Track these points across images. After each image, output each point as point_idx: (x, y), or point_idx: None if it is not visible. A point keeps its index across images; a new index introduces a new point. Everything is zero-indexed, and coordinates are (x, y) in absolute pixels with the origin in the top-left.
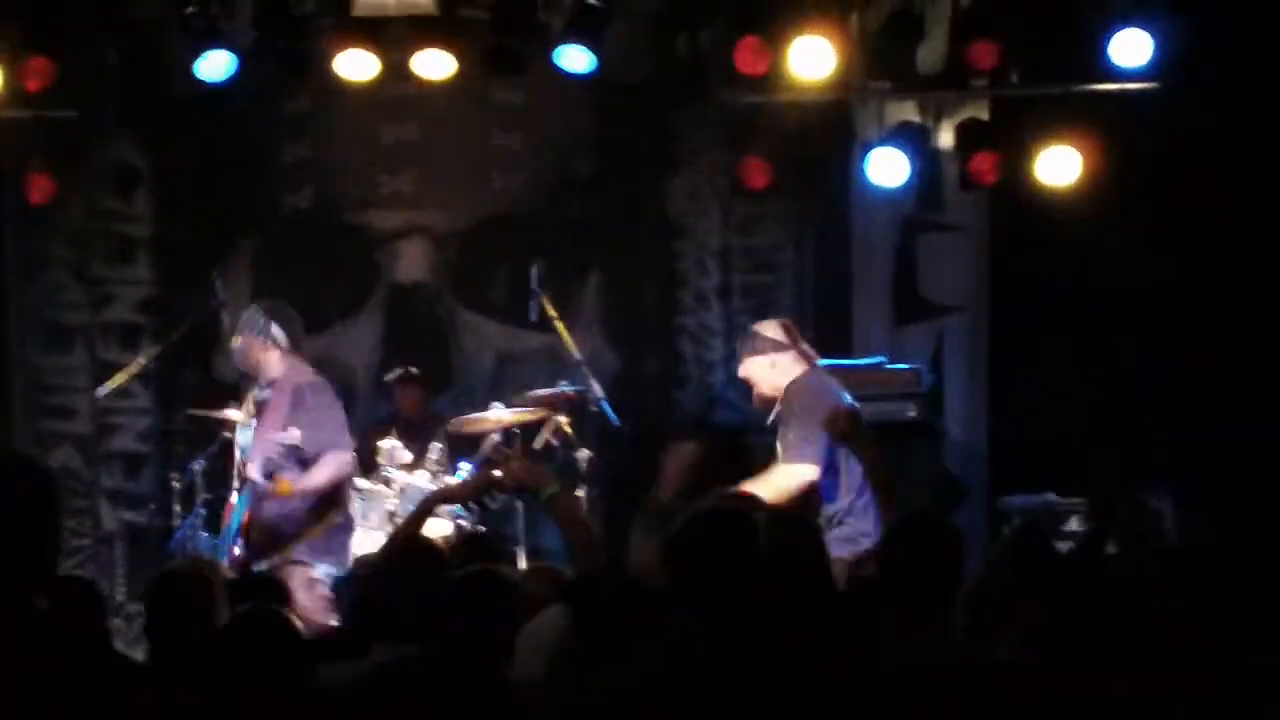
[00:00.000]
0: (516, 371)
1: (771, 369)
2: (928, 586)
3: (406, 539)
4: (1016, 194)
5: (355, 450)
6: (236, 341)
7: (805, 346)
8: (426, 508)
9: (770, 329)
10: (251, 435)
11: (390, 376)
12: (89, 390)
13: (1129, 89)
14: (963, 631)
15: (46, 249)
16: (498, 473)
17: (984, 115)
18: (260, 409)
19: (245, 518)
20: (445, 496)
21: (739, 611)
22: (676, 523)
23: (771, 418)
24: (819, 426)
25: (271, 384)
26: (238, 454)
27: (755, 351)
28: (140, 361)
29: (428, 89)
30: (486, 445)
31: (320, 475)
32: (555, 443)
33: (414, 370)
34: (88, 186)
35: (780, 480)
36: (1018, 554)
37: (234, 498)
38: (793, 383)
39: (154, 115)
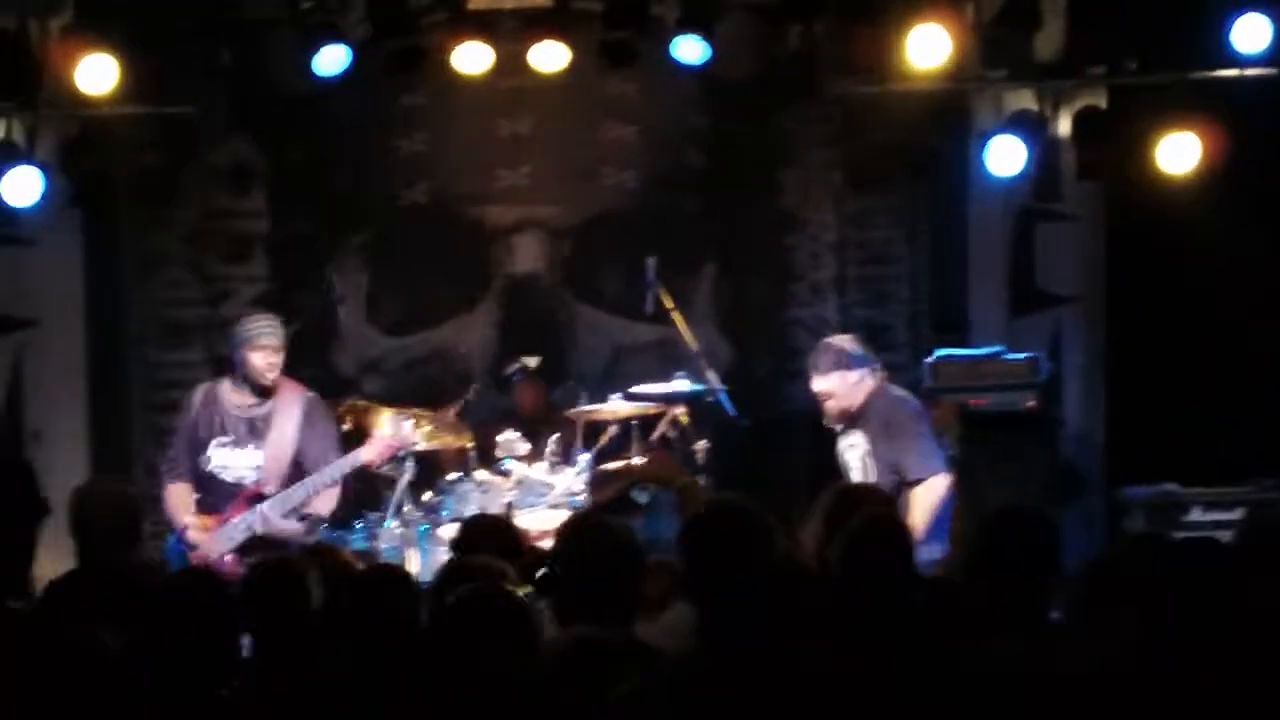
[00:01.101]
0: (631, 364)
1: (856, 384)
2: (1020, 582)
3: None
4: (1134, 182)
5: (474, 442)
6: (279, 355)
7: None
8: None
9: (850, 343)
10: (253, 454)
11: (510, 370)
12: None
13: (1248, 75)
14: (1066, 628)
15: (164, 246)
16: (638, 460)
17: (1102, 103)
18: (256, 427)
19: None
20: (601, 498)
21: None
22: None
23: (842, 428)
24: (933, 432)
25: (269, 396)
26: (226, 475)
27: (839, 366)
28: None
29: (541, 82)
30: (607, 438)
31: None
32: (672, 434)
33: (532, 364)
34: (203, 184)
35: (927, 499)
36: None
37: (238, 521)
38: (876, 397)
39: (268, 112)
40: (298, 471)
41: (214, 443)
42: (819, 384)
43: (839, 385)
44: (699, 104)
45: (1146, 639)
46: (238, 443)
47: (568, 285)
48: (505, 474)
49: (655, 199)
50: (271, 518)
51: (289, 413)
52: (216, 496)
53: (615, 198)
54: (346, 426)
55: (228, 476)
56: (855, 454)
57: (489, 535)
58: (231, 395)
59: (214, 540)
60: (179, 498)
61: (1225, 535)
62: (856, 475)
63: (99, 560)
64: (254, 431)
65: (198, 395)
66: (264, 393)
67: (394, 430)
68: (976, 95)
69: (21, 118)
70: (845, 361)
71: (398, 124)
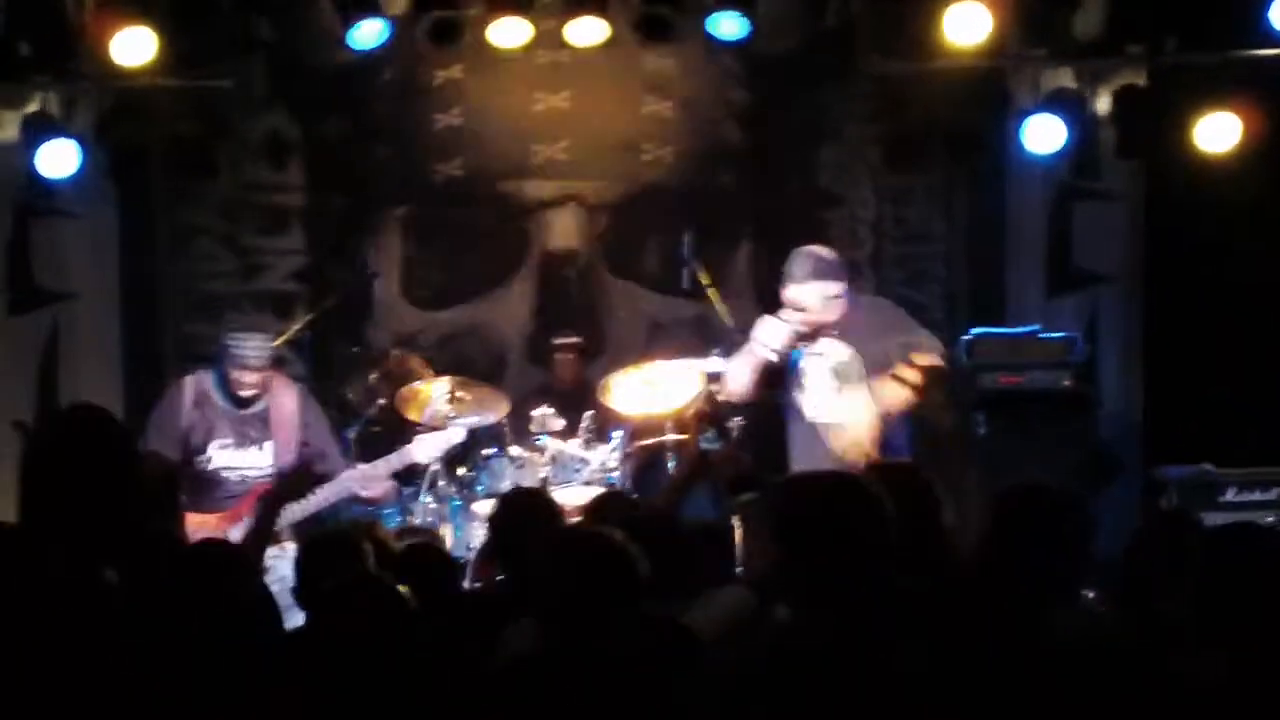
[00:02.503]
0: (667, 340)
1: (833, 299)
2: (1047, 561)
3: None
4: (1174, 161)
5: (509, 416)
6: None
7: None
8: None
9: (829, 253)
10: (257, 454)
11: (556, 342)
12: None
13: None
14: (1105, 607)
15: (197, 219)
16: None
17: (1141, 82)
18: (256, 427)
19: None
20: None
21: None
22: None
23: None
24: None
25: (258, 397)
26: (231, 475)
27: (818, 276)
28: (308, 319)
29: (580, 57)
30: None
31: None
32: (708, 409)
33: (576, 339)
34: (239, 157)
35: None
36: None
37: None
38: (854, 306)
39: (305, 85)
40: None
41: (213, 445)
42: (794, 292)
43: (815, 297)
44: (738, 80)
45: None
46: (240, 444)
47: (605, 260)
48: (540, 449)
49: (693, 175)
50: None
51: (286, 406)
52: (215, 495)
53: (653, 173)
54: (375, 376)
55: (233, 476)
56: (822, 365)
57: (527, 510)
58: (222, 399)
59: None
60: None
61: (1260, 516)
62: (818, 391)
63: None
64: (254, 431)
65: (187, 395)
66: (244, 404)
67: (432, 411)
68: (1015, 73)
69: (58, 90)
70: (824, 271)
71: (435, 98)
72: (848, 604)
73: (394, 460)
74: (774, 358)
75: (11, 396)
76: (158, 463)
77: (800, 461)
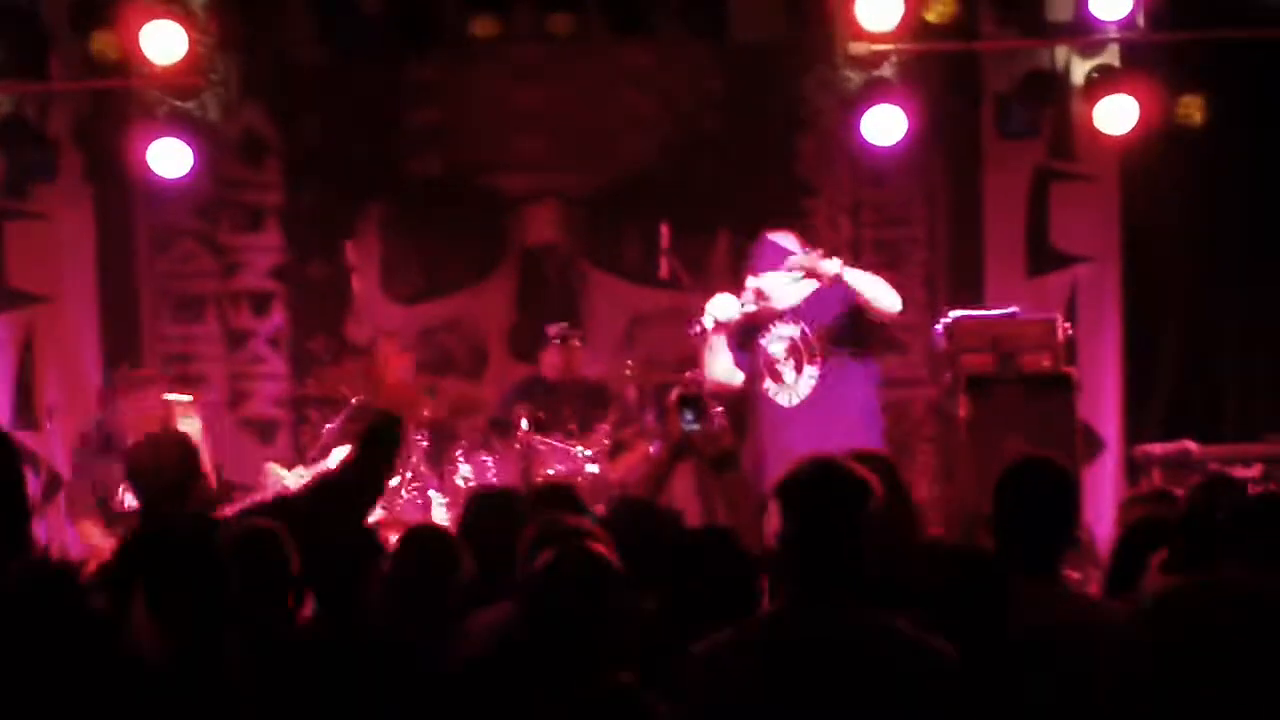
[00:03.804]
0: (648, 331)
1: (791, 285)
2: (1040, 531)
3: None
4: (1150, 141)
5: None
6: None
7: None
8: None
9: (791, 241)
10: None
11: (555, 333)
12: (221, 358)
13: (1261, 35)
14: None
15: (176, 219)
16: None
17: (1114, 62)
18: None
19: None
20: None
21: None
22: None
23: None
24: None
25: None
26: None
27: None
28: None
29: (557, 52)
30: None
31: None
32: (687, 392)
33: (574, 331)
34: (216, 155)
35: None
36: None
37: None
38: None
39: (281, 83)
40: None
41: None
42: (752, 281)
43: (774, 285)
44: (715, 69)
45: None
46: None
47: (584, 253)
48: (521, 443)
49: (672, 166)
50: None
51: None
52: None
53: (631, 165)
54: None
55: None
56: (781, 346)
57: (496, 507)
58: None
59: None
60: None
61: None
62: (785, 375)
63: (161, 511)
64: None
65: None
66: None
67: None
68: (990, 56)
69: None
70: (784, 260)
71: (412, 94)
72: (842, 587)
73: (317, 470)
74: (710, 325)
75: None
76: (171, 444)
77: (773, 448)
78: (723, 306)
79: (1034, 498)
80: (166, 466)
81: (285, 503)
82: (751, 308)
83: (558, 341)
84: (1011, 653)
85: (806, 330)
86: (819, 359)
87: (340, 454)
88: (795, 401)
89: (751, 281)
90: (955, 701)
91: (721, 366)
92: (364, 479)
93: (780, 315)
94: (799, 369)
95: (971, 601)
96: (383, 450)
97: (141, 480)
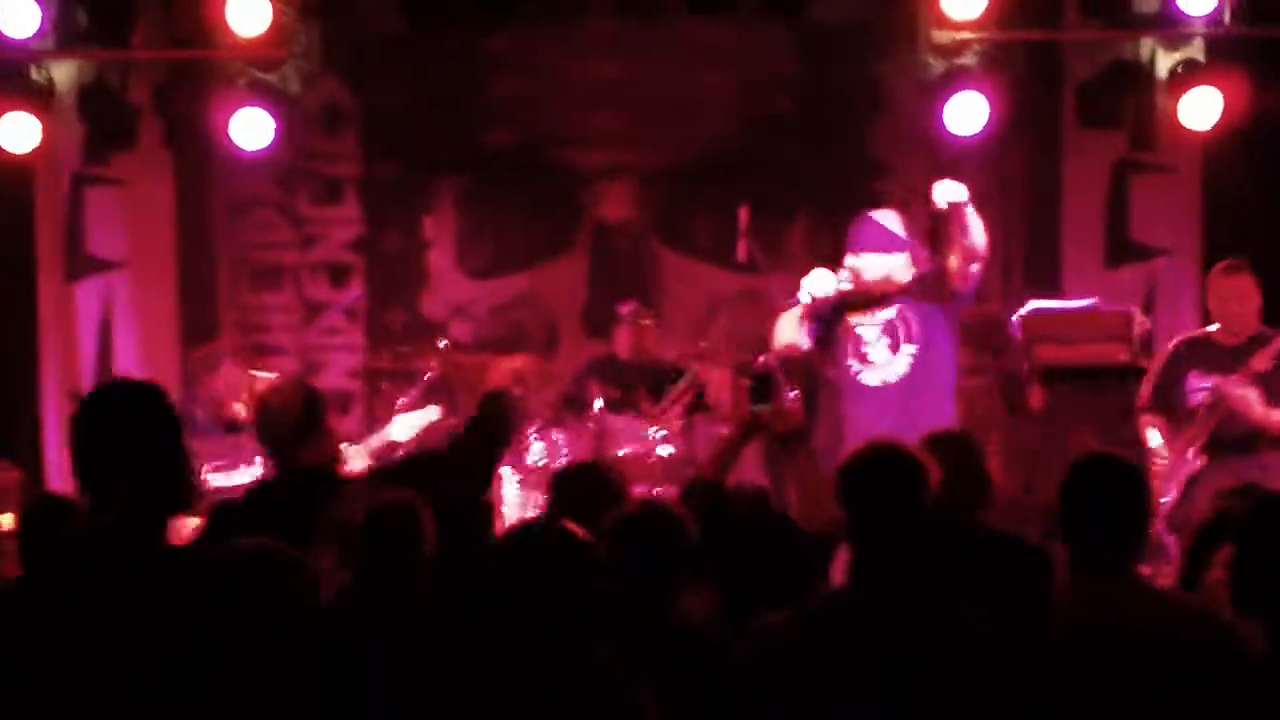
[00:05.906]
0: (721, 312)
1: (896, 268)
2: (1107, 530)
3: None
4: (1231, 134)
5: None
6: None
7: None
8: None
9: (894, 221)
10: None
11: (626, 312)
12: (297, 329)
13: None
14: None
15: (255, 189)
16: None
17: (1199, 55)
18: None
19: None
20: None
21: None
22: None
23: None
24: None
25: None
26: None
27: (879, 248)
28: None
29: (634, 26)
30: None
31: None
32: (757, 370)
33: (645, 310)
34: (296, 126)
35: None
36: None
37: None
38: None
39: (360, 54)
40: None
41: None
42: (851, 262)
43: (872, 268)
44: (793, 49)
45: None
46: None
47: (658, 231)
48: (594, 422)
49: (748, 146)
50: None
51: None
52: None
53: (707, 144)
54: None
55: None
56: (875, 329)
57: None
58: None
59: None
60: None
61: None
62: (877, 357)
63: (287, 457)
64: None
65: None
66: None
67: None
68: (1074, 46)
69: (115, 60)
70: (885, 243)
71: (489, 66)
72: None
73: (373, 441)
74: (807, 300)
75: (68, 366)
76: (294, 390)
77: (853, 429)
78: (819, 282)
79: (1102, 497)
80: (292, 409)
81: (410, 466)
82: (847, 286)
83: (629, 320)
84: (1071, 651)
85: (905, 310)
86: (915, 339)
87: (403, 422)
88: (887, 381)
89: (850, 260)
90: (1012, 679)
91: (787, 332)
92: (477, 456)
93: (880, 302)
94: (894, 348)
95: (1018, 595)
96: (496, 427)
97: (268, 424)
